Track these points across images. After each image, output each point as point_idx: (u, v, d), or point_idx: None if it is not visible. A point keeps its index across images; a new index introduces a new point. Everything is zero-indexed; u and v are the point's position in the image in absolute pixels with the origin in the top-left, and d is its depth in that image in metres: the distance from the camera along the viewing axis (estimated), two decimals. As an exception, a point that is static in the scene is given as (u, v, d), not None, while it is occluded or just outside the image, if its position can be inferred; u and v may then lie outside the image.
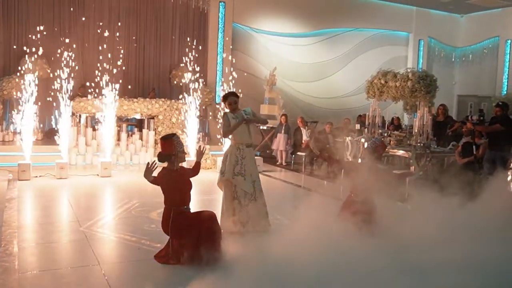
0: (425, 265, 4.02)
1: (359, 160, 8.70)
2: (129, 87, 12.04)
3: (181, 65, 12.70)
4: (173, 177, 4.48)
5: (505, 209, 5.17)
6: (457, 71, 18.31)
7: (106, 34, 11.88)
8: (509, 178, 6.43)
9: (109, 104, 9.43)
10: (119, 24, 12.84)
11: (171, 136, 4.60)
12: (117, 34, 12.32)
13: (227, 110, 5.64)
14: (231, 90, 5.97)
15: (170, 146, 4.48)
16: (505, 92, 16.12)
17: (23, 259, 4.47)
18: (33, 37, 10.54)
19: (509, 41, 16.34)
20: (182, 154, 4.59)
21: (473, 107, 17.48)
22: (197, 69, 11.16)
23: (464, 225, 4.87)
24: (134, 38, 12.97)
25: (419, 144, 8.51)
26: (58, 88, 8.95)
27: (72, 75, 9.16)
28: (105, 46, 11.65)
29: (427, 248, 4.28)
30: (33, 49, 9.69)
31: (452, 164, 8.29)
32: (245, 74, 13.41)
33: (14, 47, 11.64)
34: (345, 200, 5.13)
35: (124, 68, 11.92)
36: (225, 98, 5.65)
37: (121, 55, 12.05)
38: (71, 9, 12.33)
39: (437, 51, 18.01)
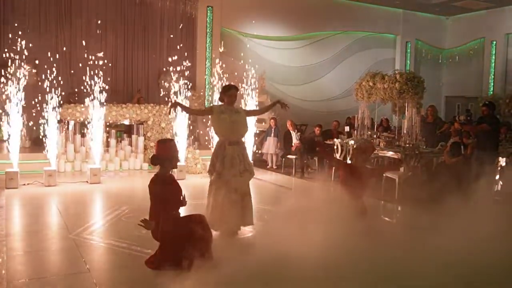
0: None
1: (348, 161, 8.76)
2: (118, 92, 11.97)
3: (170, 70, 12.65)
4: (164, 182, 4.46)
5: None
6: (444, 73, 18.49)
7: (94, 40, 11.81)
8: (497, 177, 6.50)
9: (97, 110, 9.36)
10: (107, 30, 12.79)
11: (170, 141, 4.58)
12: (104, 40, 12.28)
13: (219, 103, 5.58)
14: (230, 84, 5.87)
15: (167, 150, 4.45)
16: (491, 93, 16.30)
17: (12, 267, 4.41)
18: (18, 44, 10.43)
19: (494, 42, 16.54)
20: (176, 161, 4.57)
21: (460, 108, 17.66)
22: (186, 74, 11.10)
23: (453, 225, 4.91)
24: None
25: (408, 145, 8.57)
26: (46, 95, 8.87)
27: (61, 81, 9.07)
28: (92, 52, 11.56)
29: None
30: (22, 56, 9.58)
31: (441, 164, 8.35)
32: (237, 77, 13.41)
33: None
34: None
35: (112, 73, 11.87)
36: (227, 89, 5.51)
37: (109, 61, 11.99)
38: (58, 15, 12.25)
39: (424, 52, 18.18)
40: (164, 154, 4.42)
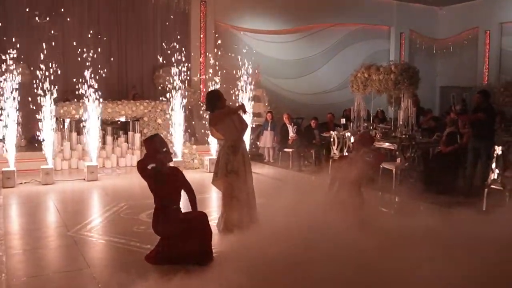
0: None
1: (345, 153, 8.79)
2: (113, 89, 11.91)
3: (164, 66, 12.61)
4: (161, 177, 4.46)
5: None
6: (438, 63, 18.51)
7: (87, 36, 11.74)
8: (493, 166, 6.53)
9: (93, 107, 9.33)
10: (100, 26, 12.71)
11: (153, 137, 4.59)
12: (98, 36, 12.18)
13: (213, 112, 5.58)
14: (214, 89, 5.87)
15: (153, 146, 4.46)
16: (486, 82, 16.33)
17: (11, 266, 4.41)
18: (10, 42, 10.38)
19: (488, 32, 16.56)
20: (167, 154, 4.56)
21: (455, 98, 17.64)
22: (180, 69, 11.08)
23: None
24: (99, 37, 12.73)
25: (404, 136, 8.59)
26: (41, 93, 8.83)
27: (55, 80, 9.03)
28: (86, 49, 11.50)
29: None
30: (13, 54, 9.51)
31: (438, 154, 8.38)
32: (232, 72, 13.40)
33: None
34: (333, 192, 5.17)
35: (106, 70, 11.79)
36: (218, 98, 5.46)
37: (103, 58, 11.92)
38: (50, 12, 12.15)
39: (418, 43, 18.18)
40: (152, 151, 4.44)
